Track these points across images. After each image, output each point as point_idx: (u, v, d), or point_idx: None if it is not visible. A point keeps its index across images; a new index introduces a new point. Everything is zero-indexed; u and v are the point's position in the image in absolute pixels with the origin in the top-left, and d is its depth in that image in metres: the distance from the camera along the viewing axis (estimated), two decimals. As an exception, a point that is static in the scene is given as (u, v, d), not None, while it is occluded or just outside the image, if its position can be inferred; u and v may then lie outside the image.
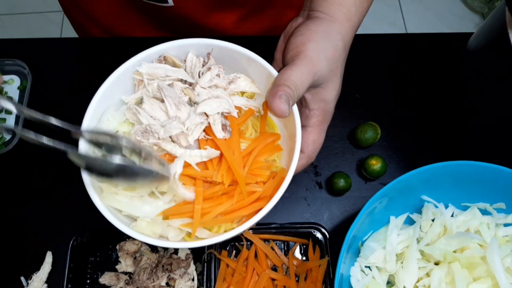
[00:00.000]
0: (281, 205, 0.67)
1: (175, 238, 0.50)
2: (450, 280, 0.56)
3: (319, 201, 0.69)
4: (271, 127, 0.55)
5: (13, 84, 0.75)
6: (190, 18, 0.76)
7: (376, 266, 0.58)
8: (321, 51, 0.49)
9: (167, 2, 0.71)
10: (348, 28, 0.53)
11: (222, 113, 0.51)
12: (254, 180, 0.50)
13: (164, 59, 0.53)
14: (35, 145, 0.40)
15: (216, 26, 0.79)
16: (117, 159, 0.42)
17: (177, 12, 0.74)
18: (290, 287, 0.61)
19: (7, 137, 0.71)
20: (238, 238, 0.64)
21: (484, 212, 0.61)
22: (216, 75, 0.52)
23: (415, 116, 0.75)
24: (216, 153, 0.49)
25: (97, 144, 0.45)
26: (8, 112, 0.73)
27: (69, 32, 1.08)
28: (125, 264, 0.64)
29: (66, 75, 0.78)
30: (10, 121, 0.73)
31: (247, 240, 0.64)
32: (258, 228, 0.63)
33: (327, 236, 0.63)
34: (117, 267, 0.64)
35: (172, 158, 0.50)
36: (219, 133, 0.49)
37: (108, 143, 0.44)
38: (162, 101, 0.51)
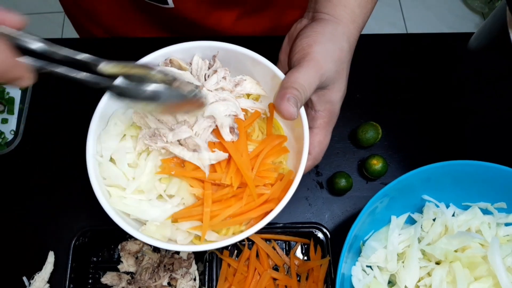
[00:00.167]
0: (282, 205, 0.67)
1: (184, 241, 0.50)
2: (451, 279, 0.56)
3: (321, 201, 0.69)
4: (277, 128, 0.55)
5: (14, 84, 0.76)
6: (190, 19, 0.76)
7: (378, 266, 0.58)
8: (327, 53, 0.49)
9: (168, 4, 0.72)
10: (353, 29, 0.53)
11: (230, 116, 0.51)
12: (262, 182, 0.50)
13: (170, 62, 0.53)
14: (68, 82, 0.39)
15: (215, 26, 0.79)
16: (151, 86, 0.41)
17: (177, 12, 0.75)
18: (291, 287, 0.62)
19: (9, 137, 0.71)
20: (239, 238, 0.64)
21: (485, 211, 0.61)
22: (222, 77, 0.52)
23: (415, 116, 0.75)
24: (224, 155, 0.49)
25: (128, 77, 0.44)
26: (10, 112, 0.73)
27: (70, 32, 1.08)
28: (127, 264, 0.64)
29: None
30: (12, 122, 0.73)
31: (249, 240, 0.64)
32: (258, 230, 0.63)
33: (329, 235, 0.63)
34: (119, 267, 0.64)
35: (179, 160, 0.50)
36: (227, 136, 0.49)
37: (140, 75, 0.43)
38: None
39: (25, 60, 0.38)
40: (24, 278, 0.63)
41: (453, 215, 0.61)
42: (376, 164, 0.66)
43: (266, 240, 0.64)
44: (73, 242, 0.61)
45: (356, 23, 0.53)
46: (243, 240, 0.64)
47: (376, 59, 0.79)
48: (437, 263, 0.59)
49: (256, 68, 0.53)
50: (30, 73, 0.39)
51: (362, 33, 0.56)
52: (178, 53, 0.53)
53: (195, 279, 0.62)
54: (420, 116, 0.75)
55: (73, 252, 0.61)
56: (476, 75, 0.78)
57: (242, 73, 0.55)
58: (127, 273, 0.64)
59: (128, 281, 0.63)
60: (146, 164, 0.51)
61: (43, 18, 2.01)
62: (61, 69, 0.40)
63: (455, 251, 0.57)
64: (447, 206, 0.62)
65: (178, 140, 0.49)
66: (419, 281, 0.57)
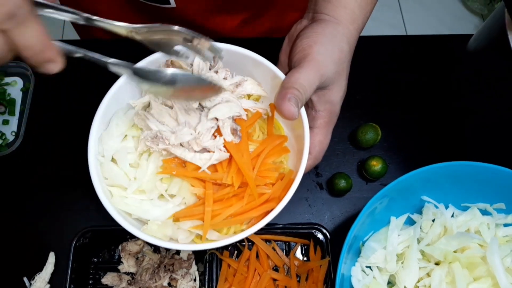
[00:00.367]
0: (282, 206, 0.67)
1: (185, 240, 0.50)
2: (451, 280, 0.56)
3: (320, 202, 0.69)
4: (277, 128, 0.55)
5: (16, 86, 0.76)
6: (192, 20, 0.76)
7: (377, 266, 0.58)
8: (327, 53, 0.50)
9: (169, 3, 0.72)
10: (353, 30, 0.53)
11: (232, 117, 0.51)
12: (263, 182, 0.50)
13: (171, 63, 0.53)
14: (92, 66, 0.40)
15: (217, 28, 0.79)
16: (170, 70, 0.42)
17: (179, 14, 0.75)
18: (291, 287, 0.62)
19: (10, 138, 0.72)
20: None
21: (484, 212, 0.61)
22: (224, 78, 0.53)
23: (415, 117, 0.75)
24: (226, 155, 0.49)
25: (150, 43, 0.45)
26: (11, 113, 0.73)
27: (71, 33, 1.08)
28: (127, 265, 0.64)
29: (69, 77, 0.78)
30: (13, 123, 0.73)
31: (249, 240, 0.64)
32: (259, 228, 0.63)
33: (328, 236, 0.63)
34: (120, 267, 0.64)
35: (181, 160, 0.50)
36: (228, 136, 0.49)
37: (161, 40, 0.44)
38: (171, 106, 0.51)
39: (58, 43, 0.38)
40: (25, 279, 0.63)
41: (452, 216, 0.61)
42: (376, 165, 0.67)
43: (266, 240, 0.65)
44: (74, 242, 0.61)
45: (356, 24, 0.53)
46: (243, 241, 0.64)
47: (376, 60, 0.79)
48: (437, 263, 0.59)
49: (257, 69, 0.54)
50: (61, 57, 0.38)
51: (362, 34, 0.56)
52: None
53: (195, 280, 0.63)
54: (419, 117, 0.75)
55: (73, 252, 0.61)
56: (475, 76, 0.78)
57: (243, 74, 0.55)
58: (128, 273, 0.64)
59: (129, 281, 0.63)
60: (147, 165, 0.51)
61: (43, 19, 1.99)
62: (93, 54, 0.40)
63: (454, 251, 0.57)
64: (446, 207, 0.62)
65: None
66: (418, 281, 0.58)
